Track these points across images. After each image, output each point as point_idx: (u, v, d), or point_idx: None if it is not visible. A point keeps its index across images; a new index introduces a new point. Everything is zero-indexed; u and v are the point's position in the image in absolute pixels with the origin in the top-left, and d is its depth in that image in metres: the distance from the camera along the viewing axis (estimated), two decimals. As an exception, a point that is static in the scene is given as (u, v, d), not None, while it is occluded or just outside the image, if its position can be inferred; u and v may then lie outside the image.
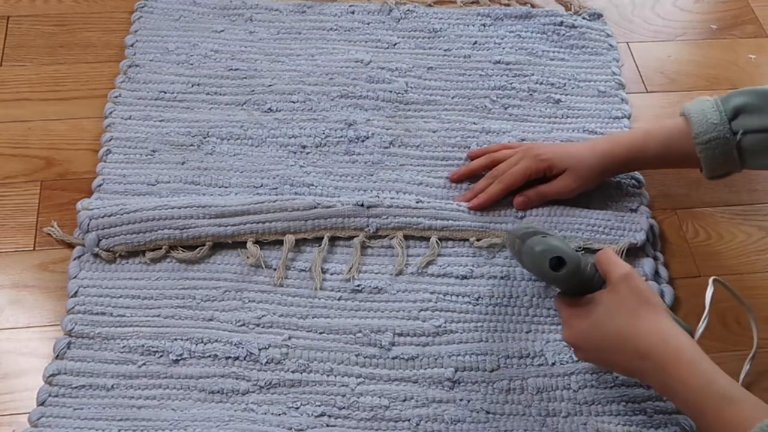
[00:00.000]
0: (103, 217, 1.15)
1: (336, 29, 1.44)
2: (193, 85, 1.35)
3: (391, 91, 1.34)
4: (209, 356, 1.06)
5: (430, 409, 1.03)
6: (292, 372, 1.06)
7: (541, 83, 1.37)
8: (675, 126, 1.16)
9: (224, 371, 1.05)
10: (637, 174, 1.26)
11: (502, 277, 1.14)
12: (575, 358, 1.07)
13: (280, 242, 1.16)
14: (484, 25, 1.46)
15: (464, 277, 1.14)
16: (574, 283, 0.97)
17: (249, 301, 1.12)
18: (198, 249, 1.15)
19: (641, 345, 0.91)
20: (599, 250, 1.15)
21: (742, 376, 1.06)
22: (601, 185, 1.21)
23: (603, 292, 0.96)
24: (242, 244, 1.16)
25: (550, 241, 0.97)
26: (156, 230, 1.15)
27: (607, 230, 1.17)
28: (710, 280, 1.06)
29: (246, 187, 1.22)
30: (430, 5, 1.49)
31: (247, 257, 1.15)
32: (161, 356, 1.07)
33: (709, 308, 1.04)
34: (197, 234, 1.15)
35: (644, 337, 0.91)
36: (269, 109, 1.32)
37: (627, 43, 1.48)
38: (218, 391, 1.04)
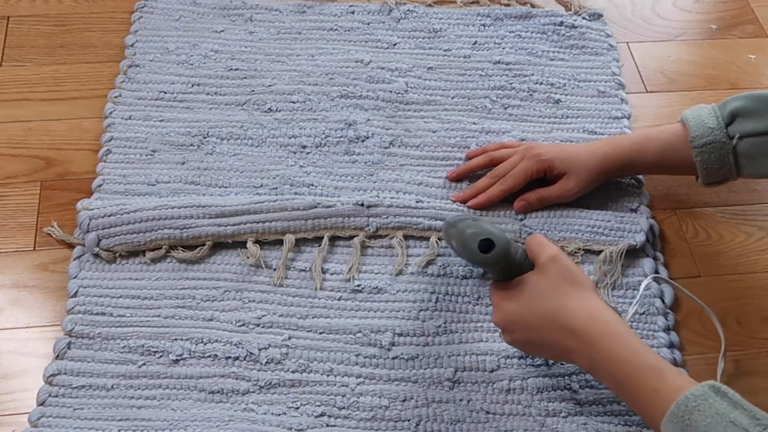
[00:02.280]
0: (103, 217, 1.15)
1: (336, 29, 1.44)
2: (193, 85, 1.35)
3: (391, 91, 1.34)
4: (209, 356, 1.06)
5: (430, 409, 1.03)
6: (292, 372, 1.06)
7: (541, 83, 1.37)
8: (673, 131, 1.16)
9: (224, 371, 1.05)
10: (637, 174, 1.27)
11: (502, 277, 1.14)
12: None
13: (280, 242, 1.17)
14: (484, 25, 1.46)
15: (464, 277, 1.14)
16: (503, 266, 0.99)
17: (249, 301, 1.12)
18: (198, 249, 1.15)
19: (569, 321, 0.93)
20: (600, 251, 1.16)
21: (718, 374, 1.05)
22: (601, 186, 1.21)
23: (531, 273, 0.98)
24: (242, 244, 1.16)
25: (481, 224, 1.00)
26: (156, 230, 1.15)
27: (607, 231, 1.17)
28: (650, 276, 1.11)
29: (246, 187, 1.22)
30: (430, 5, 1.49)
31: (247, 257, 1.15)
32: (161, 356, 1.07)
33: (639, 298, 1.07)
34: (197, 234, 1.15)
35: (572, 314, 0.93)
36: (269, 109, 1.32)
37: (627, 43, 1.48)
38: (218, 391, 1.04)
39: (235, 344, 1.07)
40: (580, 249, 1.16)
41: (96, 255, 1.15)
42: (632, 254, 1.17)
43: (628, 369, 0.88)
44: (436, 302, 1.12)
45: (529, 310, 0.97)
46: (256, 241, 1.16)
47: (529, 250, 1.00)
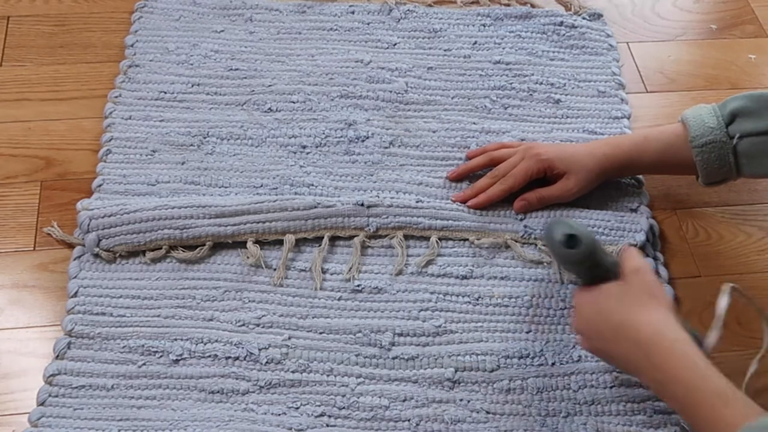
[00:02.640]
0: (103, 217, 1.15)
1: (336, 29, 1.44)
2: (193, 85, 1.34)
3: (391, 91, 1.34)
4: (209, 356, 1.06)
5: (430, 409, 1.03)
6: (292, 372, 1.06)
7: (541, 83, 1.37)
8: (673, 131, 1.16)
9: (224, 371, 1.05)
10: (637, 174, 1.27)
11: (502, 278, 1.14)
12: (575, 358, 1.07)
13: (280, 242, 1.16)
14: (484, 25, 1.46)
15: (464, 277, 1.14)
16: (588, 267, 0.98)
17: (249, 301, 1.12)
18: (198, 249, 1.15)
19: (639, 336, 0.91)
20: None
21: (747, 376, 1.04)
22: (601, 186, 1.21)
23: (615, 282, 0.97)
24: (242, 244, 1.16)
25: (570, 223, 0.99)
26: (156, 230, 1.15)
27: (607, 231, 1.17)
28: (726, 288, 1.00)
29: (246, 187, 1.22)
30: (430, 5, 1.49)
31: (247, 257, 1.15)
32: (161, 356, 1.07)
33: (723, 318, 0.97)
34: (197, 234, 1.15)
35: (642, 329, 0.92)
36: (269, 109, 1.32)
37: (627, 43, 1.48)
38: (218, 391, 1.04)
39: (235, 344, 1.07)
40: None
41: (96, 255, 1.15)
42: (632, 254, 1.17)
43: (693, 392, 0.86)
44: (436, 302, 1.12)
45: (603, 318, 0.96)
46: (256, 241, 1.16)
47: (620, 260, 0.99)
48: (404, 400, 1.04)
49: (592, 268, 0.99)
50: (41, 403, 1.03)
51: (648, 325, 0.91)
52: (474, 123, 1.32)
